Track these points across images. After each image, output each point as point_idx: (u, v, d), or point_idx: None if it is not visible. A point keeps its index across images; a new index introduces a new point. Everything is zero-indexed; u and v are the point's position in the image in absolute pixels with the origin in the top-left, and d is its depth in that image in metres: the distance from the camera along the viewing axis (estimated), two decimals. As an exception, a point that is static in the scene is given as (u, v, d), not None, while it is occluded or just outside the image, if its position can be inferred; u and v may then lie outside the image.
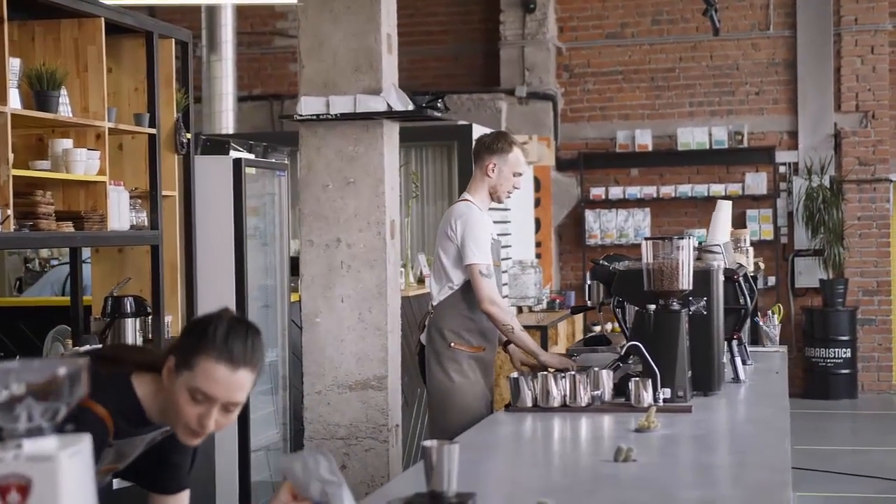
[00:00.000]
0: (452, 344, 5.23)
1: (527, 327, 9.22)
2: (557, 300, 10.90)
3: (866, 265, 12.64)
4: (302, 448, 5.82)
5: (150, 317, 5.58)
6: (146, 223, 5.58)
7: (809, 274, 12.61)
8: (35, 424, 1.73)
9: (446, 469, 2.71)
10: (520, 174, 5.36)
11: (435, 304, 5.34)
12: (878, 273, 12.66)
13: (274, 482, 6.77)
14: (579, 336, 11.23)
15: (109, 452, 2.67)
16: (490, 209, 5.57)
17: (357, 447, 5.71)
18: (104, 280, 5.74)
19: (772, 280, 12.58)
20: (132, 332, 5.41)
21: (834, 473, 8.76)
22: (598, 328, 12.30)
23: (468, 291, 5.20)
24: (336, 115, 5.88)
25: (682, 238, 4.39)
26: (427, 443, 2.72)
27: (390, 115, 5.93)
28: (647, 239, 4.43)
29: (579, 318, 11.29)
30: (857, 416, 11.80)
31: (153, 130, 5.59)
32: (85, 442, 1.76)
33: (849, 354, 12.29)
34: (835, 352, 12.26)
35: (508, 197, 5.47)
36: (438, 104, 6.22)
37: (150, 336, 5.60)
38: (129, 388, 2.66)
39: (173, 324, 5.84)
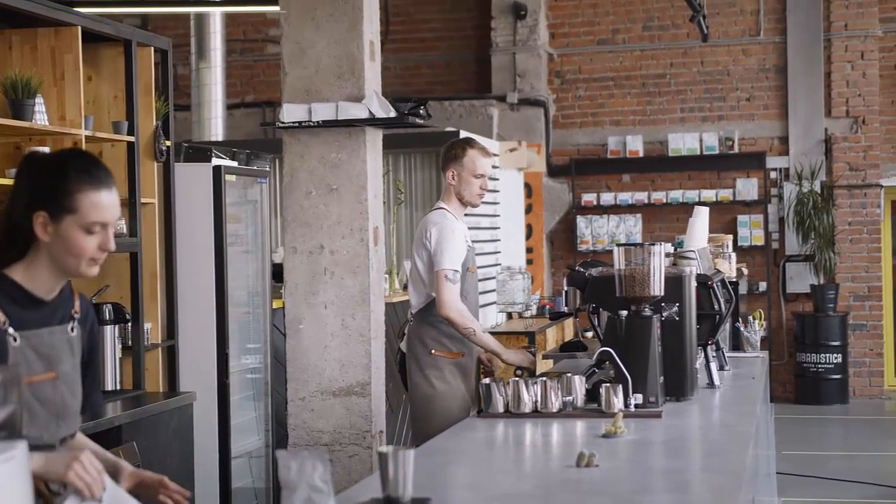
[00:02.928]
0: (433, 351, 5.28)
1: (515, 333, 9.31)
2: (547, 306, 10.91)
3: (857, 270, 12.65)
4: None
5: (129, 324, 5.59)
6: (125, 230, 5.60)
7: (800, 279, 12.62)
8: (-33, 431, 1.75)
9: (401, 474, 2.73)
10: (481, 175, 5.38)
11: (414, 311, 5.38)
12: (868, 278, 12.66)
13: (256, 489, 6.78)
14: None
15: (23, 349, 2.67)
16: (478, 215, 5.63)
17: (341, 453, 5.72)
18: (83, 287, 5.73)
19: (763, 285, 12.59)
20: (111, 339, 5.42)
21: (824, 479, 8.77)
22: (590, 334, 12.31)
23: None
24: (318, 122, 5.91)
25: (654, 244, 4.40)
26: (382, 449, 2.74)
27: (373, 122, 5.95)
28: (619, 245, 4.44)
29: (569, 323, 11.30)
30: (848, 421, 11.80)
31: (132, 138, 5.61)
32: (19, 448, 1.77)
33: (840, 360, 12.29)
34: (826, 357, 12.26)
35: (481, 198, 5.48)
36: (420, 111, 6.24)
37: (129, 343, 5.61)
38: (5, 278, 2.71)
39: (153, 331, 5.86)
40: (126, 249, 5.65)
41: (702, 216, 5.44)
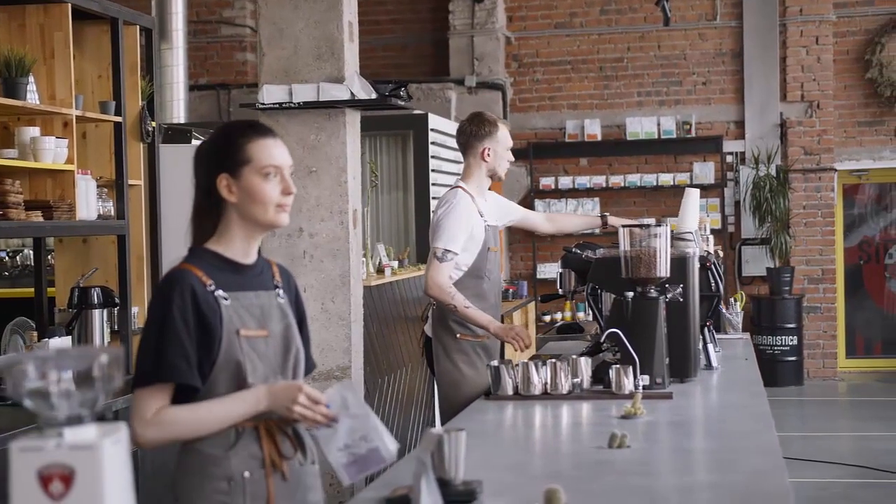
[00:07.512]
0: (459, 336, 5.19)
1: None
2: (510, 290, 10.92)
3: (811, 253, 12.80)
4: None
5: (117, 308, 5.50)
6: (112, 213, 5.50)
7: (756, 262, 12.74)
8: (75, 413, 1.70)
9: (454, 456, 2.71)
10: (509, 148, 5.38)
11: None
12: (822, 261, 12.82)
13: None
14: (532, 326, 11.27)
15: (235, 308, 2.81)
16: (437, 198, 5.55)
17: (321, 438, 5.68)
18: (68, 271, 5.65)
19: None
20: (99, 323, 5.32)
21: (784, 458, 8.86)
22: (547, 318, 12.35)
23: (469, 281, 5.17)
24: (299, 103, 5.84)
25: (660, 226, 4.41)
26: (435, 430, 2.70)
27: (353, 103, 5.90)
28: (624, 226, 4.43)
29: (531, 307, 11.34)
30: (804, 402, 11.95)
31: (119, 118, 5.50)
32: (123, 430, 1.73)
33: (795, 342, 12.43)
34: (781, 339, 12.40)
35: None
36: (401, 93, 6.20)
37: (117, 328, 5.52)
38: (204, 250, 2.90)
39: (140, 315, 5.76)
40: (113, 232, 5.55)
41: (693, 197, 5.43)
